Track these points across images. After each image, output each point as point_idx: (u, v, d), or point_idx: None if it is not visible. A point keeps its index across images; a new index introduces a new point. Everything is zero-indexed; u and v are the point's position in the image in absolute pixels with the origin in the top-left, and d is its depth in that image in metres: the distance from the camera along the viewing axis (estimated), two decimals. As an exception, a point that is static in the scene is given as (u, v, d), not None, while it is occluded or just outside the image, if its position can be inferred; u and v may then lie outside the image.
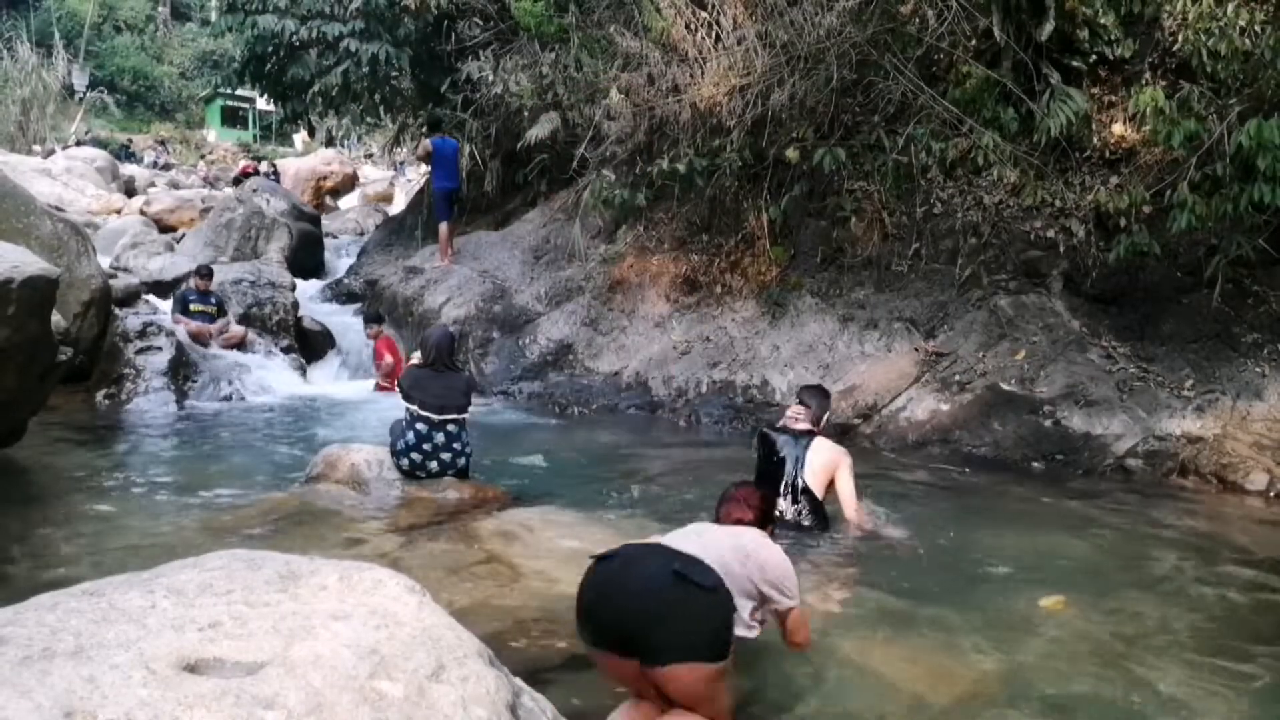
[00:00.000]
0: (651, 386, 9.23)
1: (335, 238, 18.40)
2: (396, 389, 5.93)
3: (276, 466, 6.26)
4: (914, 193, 8.93)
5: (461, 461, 5.55)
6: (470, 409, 5.70)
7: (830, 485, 4.95)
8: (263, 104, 27.87)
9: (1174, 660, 3.57)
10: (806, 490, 4.89)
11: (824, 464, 4.94)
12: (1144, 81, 7.90)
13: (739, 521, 3.28)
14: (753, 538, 3.17)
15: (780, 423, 5.17)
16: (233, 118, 40.21)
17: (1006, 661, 3.48)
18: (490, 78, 12.06)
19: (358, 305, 12.53)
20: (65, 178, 22.33)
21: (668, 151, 9.63)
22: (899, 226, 9.02)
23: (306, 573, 1.84)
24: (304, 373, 10.29)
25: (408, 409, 5.53)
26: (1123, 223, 7.35)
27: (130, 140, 34.88)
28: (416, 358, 5.89)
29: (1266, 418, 6.84)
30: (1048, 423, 7.31)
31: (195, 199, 21.28)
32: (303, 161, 27.86)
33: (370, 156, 32.68)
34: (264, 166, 26.12)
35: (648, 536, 3.19)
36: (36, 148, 27.40)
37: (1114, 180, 8.18)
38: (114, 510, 5.10)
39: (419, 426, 5.46)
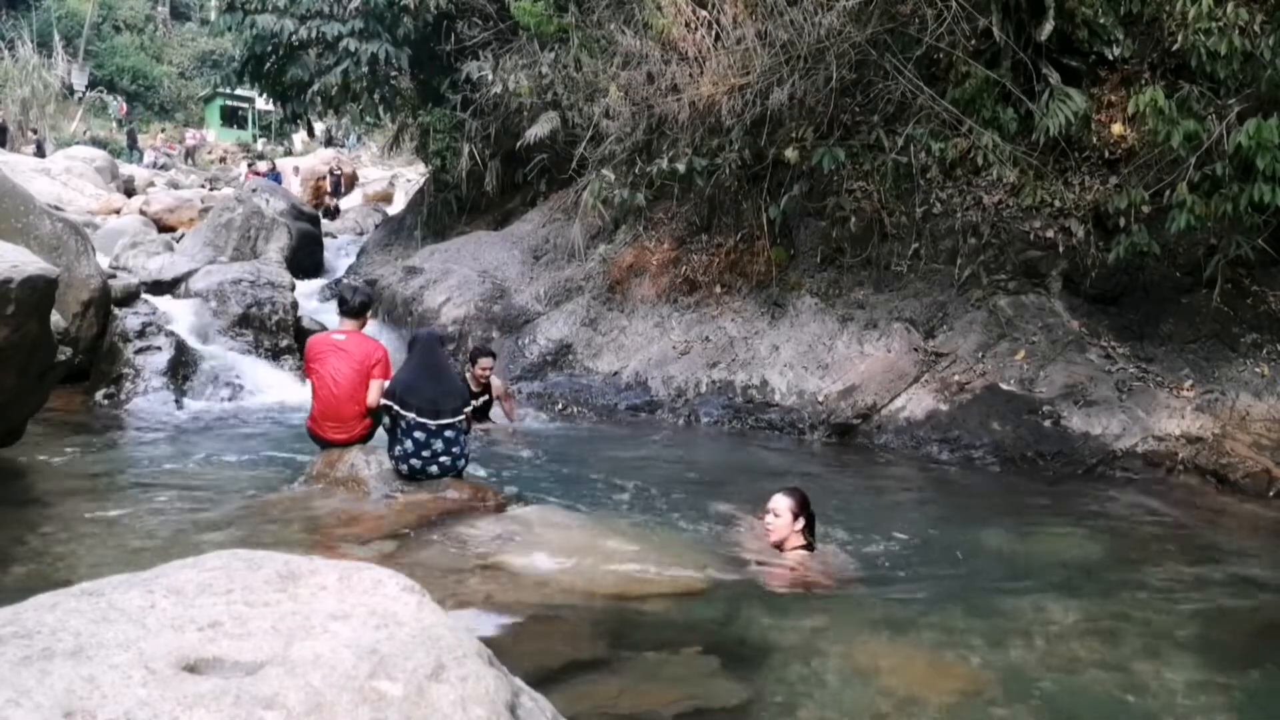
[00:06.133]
0: (651, 386, 9.23)
1: (335, 237, 18.40)
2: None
3: (275, 466, 6.25)
4: (913, 193, 8.93)
5: (461, 464, 5.52)
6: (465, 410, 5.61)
7: None
8: (262, 104, 27.87)
9: (1173, 660, 3.57)
10: None
11: None
12: (1143, 81, 7.90)
13: None
14: None
15: None
16: (232, 117, 40.20)
17: (1006, 662, 3.48)
18: (490, 77, 12.07)
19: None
20: (64, 177, 22.32)
21: (667, 151, 9.62)
22: (898, 226, 9.01)
23: (306, 573, 1.84)
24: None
25: (403, 416, 5.36)
26: (1122, 223, 7.35)
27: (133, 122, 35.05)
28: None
29: (1266, 418, 6.85)
30: (1047, 423, 7.31)
31: (195, 199, 21.28)
32: (302, 161, 27.88)
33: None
34: (263, 165, 26.13)
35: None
36: (28, 149, 27.35)
37: (1113, 180, 8.18)
38: (113, 510, 5.09)
39: (416, 435, 5.33)
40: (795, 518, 4.23)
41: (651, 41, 9.76)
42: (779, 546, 4.31)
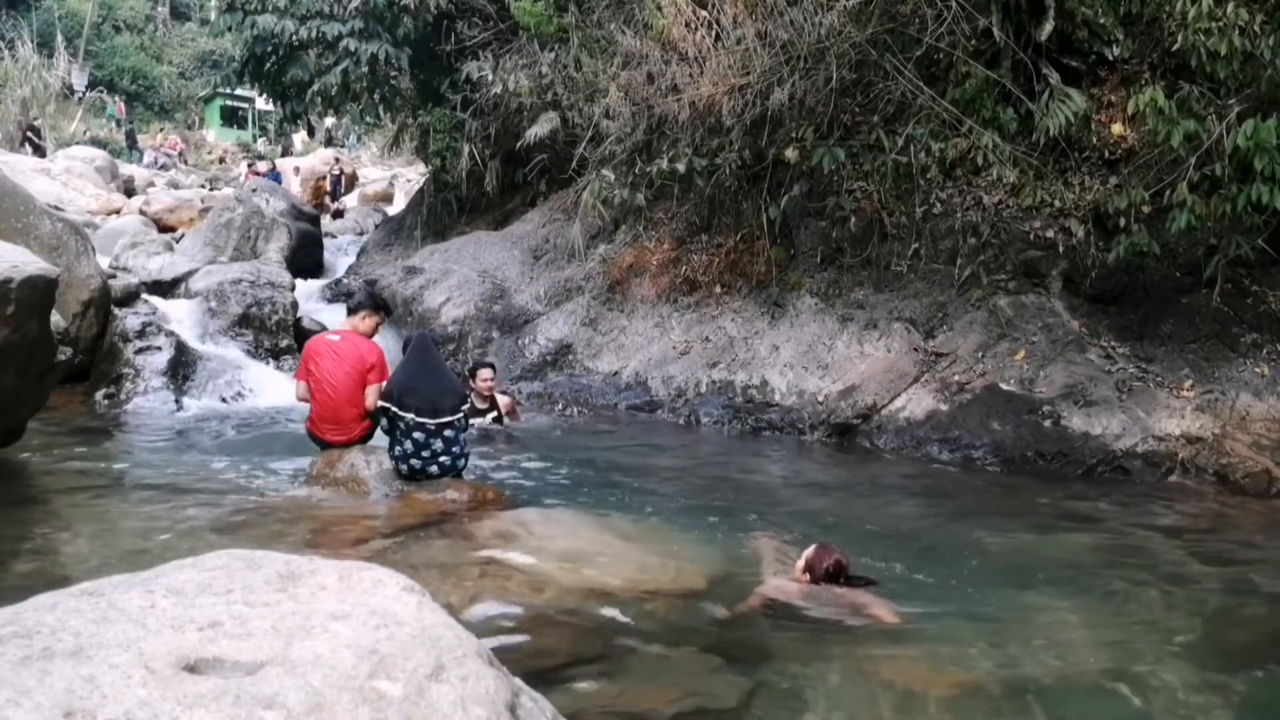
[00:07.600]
0: (651, 386, 9.23)
1: (335, 237, 18.38)
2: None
3: (275, 466, 6.25)
4: (913, 193, 8.93)
5: (461, 464, 5.52)
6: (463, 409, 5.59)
7: None
8: (262, 104, 27.86)
9: (1173, 660, 3.57)
10: None
11: None
12: (1143, 81, 7.90)
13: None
14: None
15: None
16: (232, 117, 40.17)
17: (1006, 663, 3.48)
18: (490, 77, 12.07)
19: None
20: (64, 177, 22.31)
21: (667, 151, 9.63)
22: (898, 226, 9.01)
23: (306, 572, 1.84)
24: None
25: (401, 417, 5.34)
26: (1122, 223, 7.36)
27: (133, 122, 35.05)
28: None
29: (1266, 418, 6.85)
30: (1047, 423, 7.30)
31: (195, 199, 21.26)
32: (302, 161, 27.87)
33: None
34: (263, 166, 26.13)
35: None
36: (26, 149, 27.34)
37: (1113, 180, 8.18)
38: (113, 510, 5.10)
39: (416, 435, 5.33)
40: (804, 570, 4.18)
41: (651, 41, 9.76)
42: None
